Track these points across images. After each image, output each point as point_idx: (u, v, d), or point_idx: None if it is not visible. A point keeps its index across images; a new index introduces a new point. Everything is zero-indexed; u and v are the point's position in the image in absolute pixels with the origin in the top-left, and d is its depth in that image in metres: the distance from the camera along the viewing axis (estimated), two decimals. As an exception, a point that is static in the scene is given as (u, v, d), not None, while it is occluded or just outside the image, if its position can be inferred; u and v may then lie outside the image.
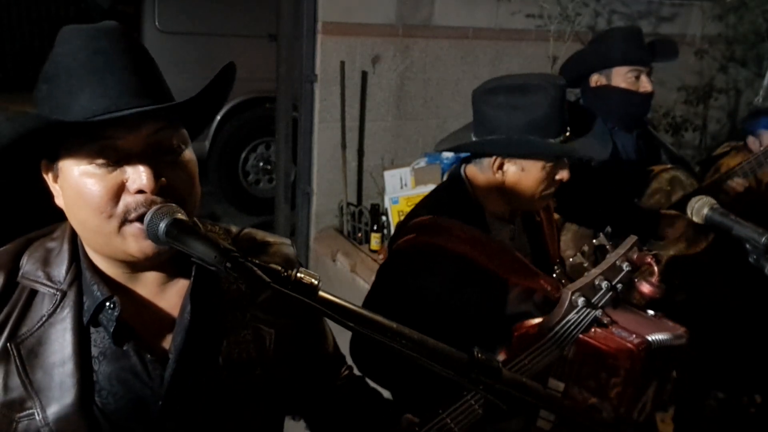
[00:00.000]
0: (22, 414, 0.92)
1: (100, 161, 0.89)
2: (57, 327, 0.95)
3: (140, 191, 0.89)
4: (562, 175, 1.62)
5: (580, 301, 1.28)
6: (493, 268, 1.56)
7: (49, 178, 0.97)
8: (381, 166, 3.73)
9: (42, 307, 0.96)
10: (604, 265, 1.30)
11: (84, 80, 0.88)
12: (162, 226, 0.85)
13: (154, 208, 0.87)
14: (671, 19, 4.58)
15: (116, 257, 0.96)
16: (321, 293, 0.76)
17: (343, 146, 3.59)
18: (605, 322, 1.30)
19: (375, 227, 3.45)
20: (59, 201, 0.96)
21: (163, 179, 0.90)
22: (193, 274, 0.99)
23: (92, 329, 0.96)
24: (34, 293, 0.97)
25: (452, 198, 1.69)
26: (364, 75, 3.57)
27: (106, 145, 0.88)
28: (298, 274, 0.76)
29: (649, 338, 1.37)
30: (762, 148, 2.48)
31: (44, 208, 1.02)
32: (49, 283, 0.97)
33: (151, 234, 0.86)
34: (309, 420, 1.30)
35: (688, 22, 4.70)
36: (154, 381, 0.97)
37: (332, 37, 3.42)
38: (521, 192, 1.63)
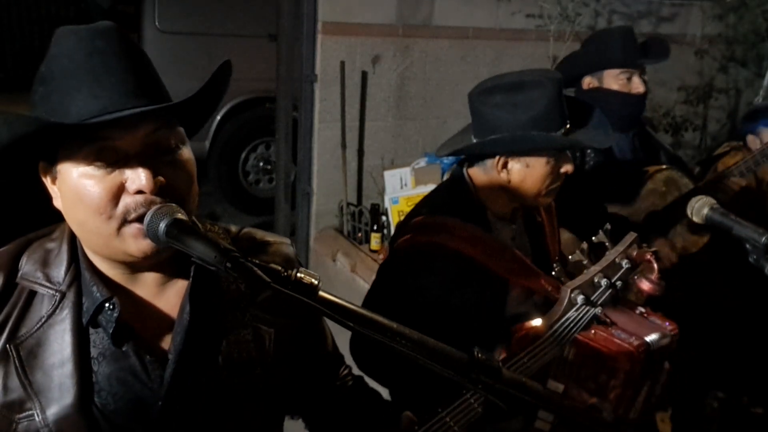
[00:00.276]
0: (21, 415, 0.92)
1: (99, 162, 0.89)
2: (56, 328, 0.95)
3: (139, 191, 0.88)
4: (567, 168, 1.63)
5: (580, 298, 1.27)
6: (493, 268, 1.56)
7: (47, 180, 0.96)
8: (381, 166, 3.73)
9: (41, 308, 0.96)
10: (603, 263, 1.30)
11: (80, 81, 0.88)
12: (162, 226, 0.84)
13: (153, 208, 0.87)
14: (671, 19, 4.58)
15: (115, 258, 0.96)
16: (321, 293, 0.76)
17: (343, 146, 3.59)
18: (604, 320, 1.30)
19: (375, 227, 3.45)
20: (58, 203, 0.96)
21: (162, 179, 0.90)
22: (192, 274, 0.99)
23: (91, 330, 0.96)
24: (33, 294, 0.97)
25: (453, 197, 1.69)
26: (364, 75, 3.57)
27: (104, 146, 0.88)
28: (298, 274, 0.76)
29: (648, 339, 1.37)
30: (759, 148, 2.47)
31: (43, 209, 1.02)
32: (48, 284, 0.97)
33: (151, 234, 0.86)
34: (308, 420, 1.30)
35: (688, 22, 4.70)
36: (153, 381, 0.97)
37: (332, 37, 3.42)
38: (528, 189, 1.63)
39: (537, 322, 1.34)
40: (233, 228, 1.16)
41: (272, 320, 1.07)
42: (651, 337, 1.39)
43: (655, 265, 1.31)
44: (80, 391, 0.93)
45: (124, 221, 0.90)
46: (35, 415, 0.92)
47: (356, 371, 1.41)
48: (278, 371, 1.08)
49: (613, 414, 1.37)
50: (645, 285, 1.31)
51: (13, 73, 6.99)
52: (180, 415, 0.98)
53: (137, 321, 0.99)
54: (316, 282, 0.76)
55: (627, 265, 1.29)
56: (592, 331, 1.35)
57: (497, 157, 1.61)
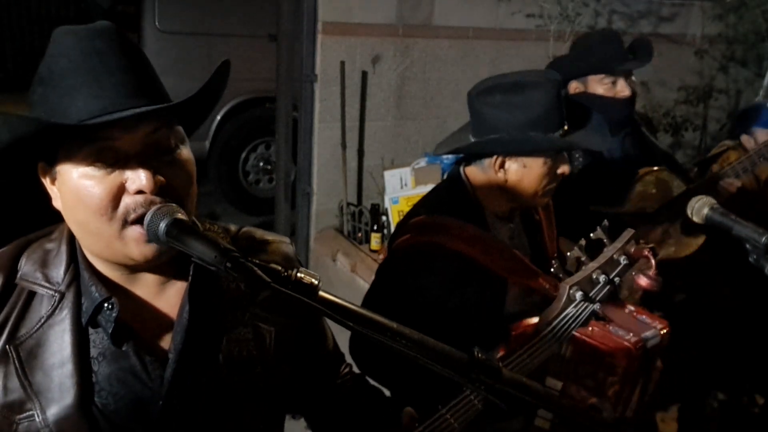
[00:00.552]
0: (22, 416, 0.92)
1: (99, 163, 0.88)
2: (56, 328, 0.95)
3: (139, 192, 0.88)
4: (563, 169, 1.64)
5: (578, 295, 1.28)
6: (492, 267, 1.56)
7: (46, 180, 0.96)
8: (381, 166, 3.73)
9: (41, 308, 0.96)
10: (601, 259, 1.30)
11: (79, 82, 0.88)
12: (162, 226, 0.84)
13: (153, 208, 0.87)
14: (671, 19, 4.58)
15: (116, 260, 0.95)
16: (321, 293, 0.76)
17: (343, 146, 3.59)
18: (602, 316, 1.30)
19: (375, 227, 3.45)
20: (57, 203, 0.96)
21: (162, 179, 0.90)
22: (191, 273, 0.99)
23: (91, 330, 0.96)
24: (32, 295, 0.97)
25: (452, 197, 1.69)
26: (364, 75, 3.57)
27: (103, 147, 0.88)
28: (298, 274, 0.76)
29: (644, 336, 1.37)
30: (754, 148, 2.46)
31: (42, 209, 1.02)
32: (47, 285, 0.97)
33: (151, 234, 0.86)
34: (309, 419, 1.30)
35: (688, 22, 4.70)
36: (153, 381, 0.97)
37: (332, 37, 3.42)
38: (524, 189, 1.63)
39: (536, 319, 1.34)
40: (233, 227, 1.16)
41: (272, 319, 1.07)
42: (646, 334, 1.39)
43: (653, 262, 1.31)
44: (80, 392, 0.93)
45: (125, 222, 0.89)
46: (35, 415, 0.92)
47: (357, 370, 1.41)
48: (279, 370, 1.08)
49: (614, 413, 1.37)
50: (643, 281, 1.31)
51: (13, 73, 6.99)
52: (180, 414, 0.98)
53: (137, 321, 0.98)
54: (316, 282, 0.76)
55: (625, 262, 1.29)
56: (590, 328, 1.35)
57: (495, 157, 1.62)
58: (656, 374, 1.46)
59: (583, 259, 1.30)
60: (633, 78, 2.39)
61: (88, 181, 0.89)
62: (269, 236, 1.17)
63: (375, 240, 3.43)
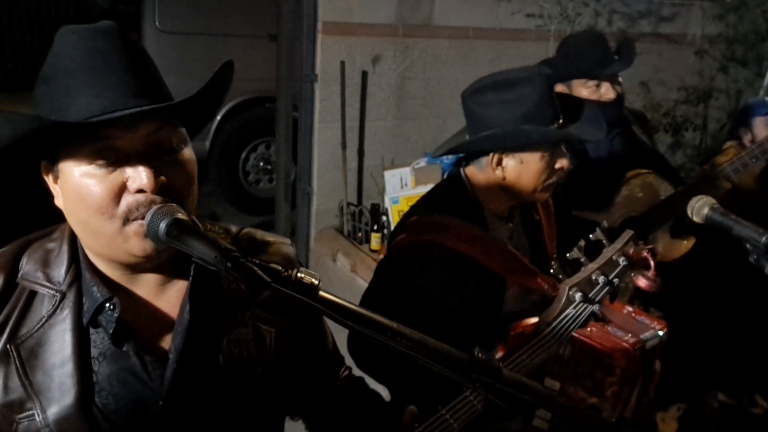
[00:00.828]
0: (22, 415, 0.92)
1: (100, 162, 0.89)
2: (56, 328, 0.95)
3: (140, 191, 0.89)
4: (562, 162, 1.63)
5: (578, 296, 1.28)
6: (491, 267, 1.56)
7: (49, 179, 0.97)
8: (381, 166, 3.73)
9: (42, 308, 0.96)
10: (601, 260, 1.30)
11: (82, 81, 0.88)
12: (162, 225, 0.85)
13: (154, 207, 0.87)
14: (671, 19, 4.58)
15: (117, 258, 0.95)
16: (321, 293, 0.76)
17: (343, 146, 3.60)
18: (602, 317, 1.30)
19: (375, 227, 3.45)
20: (59, 201, 0.96)
21: (163, 178, 0.90)
22: (191, 273, 0.99)
23: (92, 330, 0.96)
24: (33, 294, 0.97)
25: (451, 197, 1.70)
26: (364, 75, 3.57)
27: (105, 146, 0.88)
28: (299, 274, 0.76)
29: (643, 337, 1.38)
30: (746, 149, 2.44)
31: (43, 209, 1.02)
32: (48, 284, 0.97)
33: (152, 234, 0.86)
34: (308, 420, 1.30)
35: (688, 22, 4.70)
36: (154, 381, 0.97)
37: (332, 37, 3.42)
38: (523, 185, 1.63)
39: (535, 319, 1.34)
40: (233, 228, 1.16)
41: (273, 320, 1.07)
42: (645, 335, 1.40)
43: (652, 262, 1.31)
44: (81, 391, 0.93)
45: (126, 221, 0.90)
46: (36, 415, 0.92)
47: (357, 372, 1.41)
48: (279, 370, 1.08)
49: (614, 413, 1.37)
50: (642, 282, 1.31)
51: (13, 73, 6.98)
52: (181, 414, 0.98)
53: (137, 321, 0.99)
54: (316, 282, 0.76)
55: (624, 263, 1.29)
56: (589, 329, 1.35)
57: (491, 155, 1.62)
58: (655, 375, 1.46)
59: (582, 260, 1.30)
60: (620, 79, 2.39)
61: (90, 179, 0.89)
62: (270, 237, 1.17)
63: (375, 240, 3.43)
